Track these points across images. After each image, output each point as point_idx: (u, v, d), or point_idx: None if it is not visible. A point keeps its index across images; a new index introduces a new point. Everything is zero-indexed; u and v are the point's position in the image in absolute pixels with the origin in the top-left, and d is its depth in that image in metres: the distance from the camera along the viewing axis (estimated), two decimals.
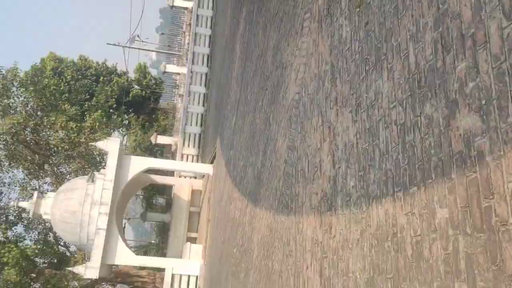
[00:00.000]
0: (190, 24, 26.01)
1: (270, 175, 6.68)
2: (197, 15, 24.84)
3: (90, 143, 17.17)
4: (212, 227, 14.57)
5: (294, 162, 5.63)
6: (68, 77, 30.85)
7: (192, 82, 23.99)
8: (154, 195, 28.79)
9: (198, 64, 24.27)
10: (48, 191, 19.55)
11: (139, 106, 34.98)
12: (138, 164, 15.84)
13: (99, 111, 24.72)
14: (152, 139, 26.34)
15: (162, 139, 26.68)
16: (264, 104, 7.81)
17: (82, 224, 15.04)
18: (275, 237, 6.09)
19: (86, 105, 26.09)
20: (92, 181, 15.55)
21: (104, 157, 19.81)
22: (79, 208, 15.18)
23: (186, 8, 28.87)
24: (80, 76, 32.18)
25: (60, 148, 20.76)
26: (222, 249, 11.39)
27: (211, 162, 16.89)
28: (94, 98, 27.17)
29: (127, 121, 33.15)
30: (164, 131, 31.22)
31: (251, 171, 8.27)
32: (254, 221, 7.55)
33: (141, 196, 31.43)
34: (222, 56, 17.43)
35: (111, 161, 15.02)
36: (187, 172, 21.95)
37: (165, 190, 29.54)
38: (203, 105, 23.54)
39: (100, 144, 15.28)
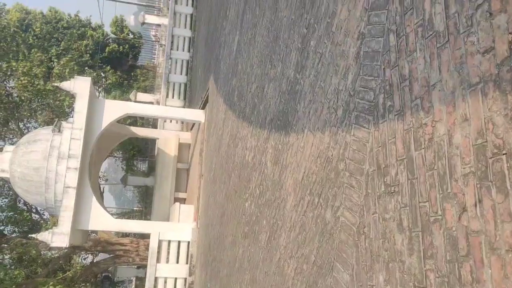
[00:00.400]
0: None
1: (322, 72, 4.11)
2: None
3: (56, 86, 14.11)
4: (207, 183, 12.02)
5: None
6: (37, 30, 27.53)
7: (176, 25, 20.98)
8: (135, 155, 26.08)
9: (182, 4, 21.22)
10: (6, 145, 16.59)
11: (117, 62, 32.00)
12: (115, 109, 12.97)
13: (69, 55, 21.36)
14: (132, 96, 23.70)
15: (142, 97, 24.09)
16: None
17: (48, 182, 12.33)
18: (340, 169, 3.59)
19: (53, 51, 22.68)
20: (59, 131, 12.75)
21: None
22: (43, 163, 12.43)
23: None
24: (50, 29, 28.85)
25: (23, 98, 17.63)
26: (224, 207, 8.89)
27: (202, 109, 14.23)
28: (63, 43, 23.74)
29: (103, 76, 29.96)
30: (144, 92, 28.49)
31: (275, 88, 5.69)
32: (286, 156, 5.02)
33: (120, 158, 28.66)
34: None
35: (80, 105, 12.15)
36: (173, 126, 19.48)
37: (147, 148, 26.96)
38: (189, 51, 20.64)
39: (66, 85, 12.26)
